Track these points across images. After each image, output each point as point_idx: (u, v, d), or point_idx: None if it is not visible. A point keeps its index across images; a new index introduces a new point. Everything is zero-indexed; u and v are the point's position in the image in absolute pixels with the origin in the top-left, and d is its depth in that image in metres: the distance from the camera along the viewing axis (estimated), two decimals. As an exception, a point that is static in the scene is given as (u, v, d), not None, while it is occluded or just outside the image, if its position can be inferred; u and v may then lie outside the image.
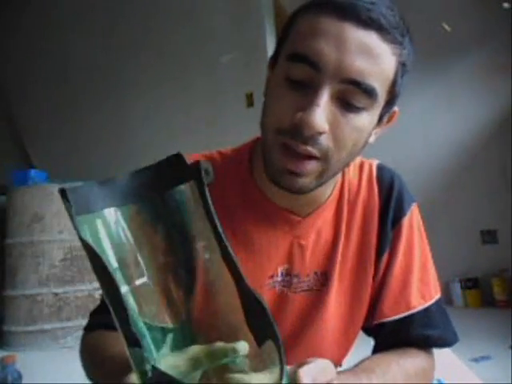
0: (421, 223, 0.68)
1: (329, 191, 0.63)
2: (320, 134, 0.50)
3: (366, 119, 0.53)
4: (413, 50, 0.56)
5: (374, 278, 0.64)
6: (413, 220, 0.65)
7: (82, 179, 2.94)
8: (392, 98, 0.56)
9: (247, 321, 0.33)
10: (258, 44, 3.07)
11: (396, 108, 0.61)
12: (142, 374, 0.31)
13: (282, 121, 0.52)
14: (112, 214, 0.34)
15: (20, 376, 1.89)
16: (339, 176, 0.64)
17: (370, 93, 0.50)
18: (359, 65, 0.49)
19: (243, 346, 0.33)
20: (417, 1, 3.40)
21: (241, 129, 2.88)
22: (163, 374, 0.31)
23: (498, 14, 3.24)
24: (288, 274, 0.62)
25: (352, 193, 0.65)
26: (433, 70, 3.41)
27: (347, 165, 0.58)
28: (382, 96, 0.53)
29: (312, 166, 0.52)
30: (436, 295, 0.65)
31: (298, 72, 0.51)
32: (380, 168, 0.68)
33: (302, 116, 0.49)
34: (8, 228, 2.85)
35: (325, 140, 0.51)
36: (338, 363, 0.68)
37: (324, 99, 0.50)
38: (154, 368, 0.31)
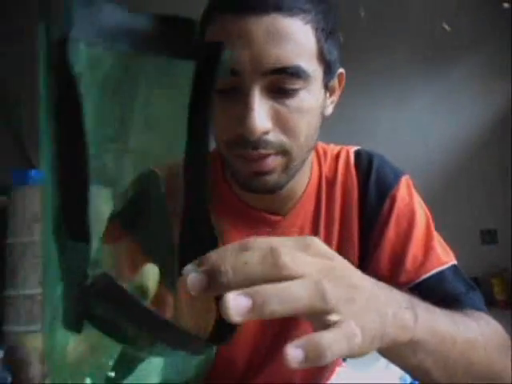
0: (417, 195, 0.64)
1: (303, 183, 0.62)
2: (266, 133, 0.49)
3: (307, 98, 0.51)
4: (329, 9, 0.53)
5: (361, 265, 0.60)
6: (404, 191, 0.62)
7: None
8: (327, 66, 0.53)
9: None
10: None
11: (341, 69, 0.59)
12: (79, 276, 0.24)
13: (227, 134, 0.51)
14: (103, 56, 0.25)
15: (20, 376, 1.89)
16: (311, 167, 0.62)
17: (297, 73, 0.49)
18: (274, 52, 0.47)
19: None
20: (417, 1, 3.40)
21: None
22: (110, 279, 0.24)
23: (498, 14, 3.24)
24: None
25: (329, 185, 0.63)
26: (432, 69, 3.41)
27: (310, 148, 0.57)
28: (313, 70, 0.51)
29: (275, 162, 0.51)
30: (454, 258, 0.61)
31: (223, 83, 0.50)
32: (358, 153, 0.66)
33: (242, 127, 0.48)
34: (8, 228, 2.85)
35: (274, 136, 0.50)
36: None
37: (256, 99, 0.48)
38: (103, 273, 0.24)
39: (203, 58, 0.28)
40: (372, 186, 0.62)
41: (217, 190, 0.62)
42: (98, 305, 0.24)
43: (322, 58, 0.52)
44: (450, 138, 3.41)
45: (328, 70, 0.54)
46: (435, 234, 0.62)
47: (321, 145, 0.68)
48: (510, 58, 3.20)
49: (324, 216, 0.62)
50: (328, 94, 0.57)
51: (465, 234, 3.28)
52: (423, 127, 3.46)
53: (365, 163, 0.64)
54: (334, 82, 0.58)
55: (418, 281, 0.58)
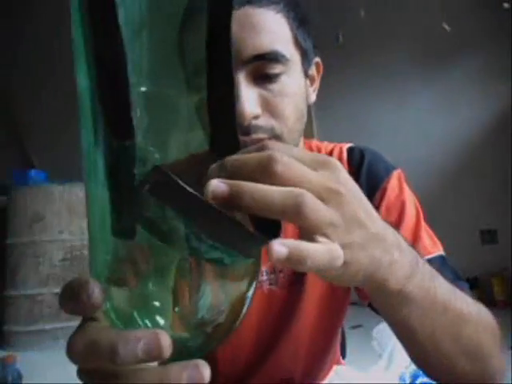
0: (407, 188, 0.64)
1: None
2: (256, 118, 0.51)
3: (288, 82, 0.53)
4: (295, 1, 0.57)
5: None
6: (395, 183, 0.62)
7: (82, 179, 2.95)
8: (303, 52, 0.56)
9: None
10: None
11: (317, 58, 0.61)
12: (128, 177, 0.24)
13: None
14: None
15: (20, 376, 1.90)
16: None
17: (275, 58, 0.51)
18: (252, 39, 0.50)
19: None
20: (417, 1, 3.40)
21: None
22: (162, 172, 0.23)
23: (497, 14, 3.24)
24: (272, 271, 0.62)
25: None
26: (433, 70, 3.42)
27: (301, 131, 0.58)
28: (291, 54, 0.53)
29: None
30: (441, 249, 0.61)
31: None
32: (350, 149, 0.66)
33: None
34: (8, 228, 2.85)
35: (264, 121, 0.52)
36: (327, 352, 0.68)
37: (242, 87, 0.50)
38: (154, 167, 0.23)
39: None
40: (363, 180, 0.62)
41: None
42: (150, 204, 0.24)
43: (298, 44, 0.55)
44: (451, 139, 3.41)
45: (305, 57, 0.57)
46: (424, 225, 0.62)
47: (315, 142, 0.69)
48: (510, 59, 3.20)
49: None
50: (309, 82, 0.60)
51: (465, 234, 3.28)
52: (423, 128, 3.46)
53: (357, 158, 0.64)
54: (313, 71, 0.61)
55: None
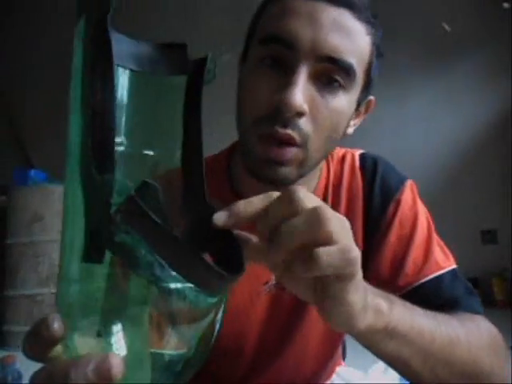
0: (420, 200, 0.64)
1: (312, 185, 0.61)
2: (300, 115, 0.49)
3: (344, 100, 0.51)
4: (381, 36, 0.56)
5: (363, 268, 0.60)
6: (408, 195, 0.62)
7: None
8: (368, 82, 0.55)
9: None
10: (258, 44, 3.07)
11: (372, 97, 0.60)
12: (104, 207, 0.26)
13: (259, 107, 0.50)
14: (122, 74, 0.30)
15: (20, 376, 1.90)
16: (321, 169, 0.62)
17: (347, 69, 0.49)
18: (334, 41, 0.48)
19: None
20: (417, 1, 3.40)
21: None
22: (136, 202, 0.26)
23: (498, 14, 3.24)
24: None
25: (335, 187, 0.63)
26: (433, 70, 3.42)
27: (326, 154, 0.57)
28: (359, 76, 0.52)
29: (293, 154, 0.50)
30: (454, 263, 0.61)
31: (273, 53, 0.50)
32: (363, 156, 0.65)
33: (280, 97, 0.47)
34: (8, 228, 2.85)
35: (304, 123, 0.49)
36: (332, 357, 0.68)
37: (302, 78, 0.48)
38: (129, 196, 0.26)
39: (192, 71, 0.33)
40: (377, 190, 0.62)
41: (217, 192, 0.60)
42: (121, 230, 0.26)
43: (369, 71, 0.54)
44: (451, 138, 3.41)
45: (366, 87, 0.55)
46: (436, 238, 0.62)
47: None
48: (509, 58, 3.20)
49: None
50: (354, 115, 0.57)
51: (465, 234, 3.29)
52: (424, 127, 3.46)
53: (370, 167, 0.63)
54: (362, 106, 0.59)
55: (415, 285, 0.58)
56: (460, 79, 3.41)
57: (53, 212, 2.77)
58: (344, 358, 0.81)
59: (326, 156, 0.59)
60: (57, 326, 0.27)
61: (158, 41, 0.33)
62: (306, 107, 0.49)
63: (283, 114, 0.48)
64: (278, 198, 0.33)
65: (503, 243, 3.21)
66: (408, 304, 0.45)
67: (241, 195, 0.59)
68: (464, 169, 3.36)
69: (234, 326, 0.59)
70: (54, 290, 2.70)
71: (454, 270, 0.60)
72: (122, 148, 0.30)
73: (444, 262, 0.60)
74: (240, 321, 0.60)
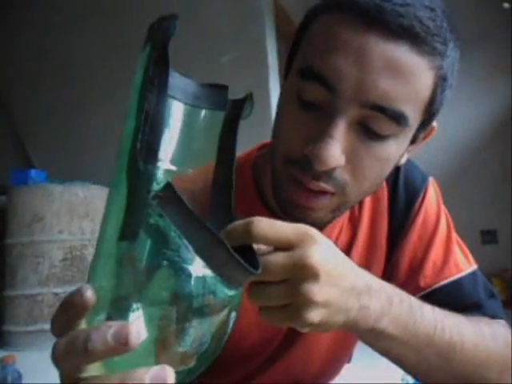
0: (441, 199, 0.64)
1: None
2: (334, 169, 0.43)
3: (392, 148, 0.45)
4: (458, 58, 0.46)
5: (386, 272, 0.60)
6: (432, 195, 0.61)
7: (82, 179, 2.95)
8: (429, 118, 0.48)
9: None
10: (258, 44, 3.07)
11: (434, 123, 0.53)
12: (144, 193, 0.30)
13: (291, 150, 0.45)
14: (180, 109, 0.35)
15: (20, 376, 1.89)
16: None
17: (397, 119, 0.42)
18: (385, 86, 0.41)
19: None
20: (417, 1, 3.40)
21: (241, 128, 2.86)
22: (173, 189, 0.29)
23: (498, 14, 3.24)
24: None
25: None
26: (433, 69, 3.42)
27: (371, 194, 0.53)
28: (414, 119, 0.44)
29: (326, 201, 0.46)
30: (475, 264, 0.60)
31: (311, 93, 0.44)
32: None
33: (313, 149, 0.42)
34: (8, 228, 2.84)
35: (341, 174, 0.44)
36: (341, 360, 0.68)
37: (340, 128, 0.42)
38: (167, 184, 0.29)
39: (231, 109, 0.38)
40: (401, 190, 0.60)
41: (246, 202, 0.56)
42: (156, 213, 0.29)
43: (429, 108, 0.46)
44: (450, 139, 3.41)
45: (427, 123, 0.48)
46: (456, 237, 0.61)
47: None
48: (509, 58, 3.20)
49: (359, 223, 0.60)
50: (409, 145, 0.50)
51: (465, 234, 3.27)
52: (423, 127, 3.46)
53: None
54: (422, 135, 0.51)
55: (435, 287, 0.57)
56: (460, 79, 3.39)
57: (53, 212, 2.77)
58: (350, 360, 0.81)
59: (370, 195, 0.56)
60: (90, 294, 0.28)
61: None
62: (342, 161, 0.43)
63: (314, 167, 0.43)
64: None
65: (503, 243, 3.21)
66: (416, 306, 0.44)
67: (273, 210, 0.55)
68: (464, 169, 3.36)
69: (241, 323, 0.59)
70: (54, 290, 2.70)
71: (474, 271, 0.59)
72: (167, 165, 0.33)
73: (464, 263, 0.59)
74: (247, 319, 0.60)
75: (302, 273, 0.35)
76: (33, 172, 3.03)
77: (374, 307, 0.40)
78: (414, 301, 0.45)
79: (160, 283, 0.30)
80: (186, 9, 3.47)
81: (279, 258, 0.35)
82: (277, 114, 0.50)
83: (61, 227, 2.77)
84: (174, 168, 0.32)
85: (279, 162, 0.47)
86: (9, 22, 4.18)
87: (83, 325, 0.29)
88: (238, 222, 0.35)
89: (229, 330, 0.33)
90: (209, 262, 0.29)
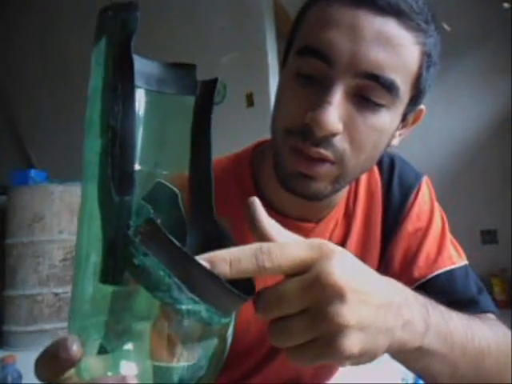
0: (435, 197, 0.65)
1: (344, 191, 0.60)
2: (333, 135, 0.45)
3: (386, 118, 0.47)
4: (439, 40, 0.51)
5: (381, 266, 0.61)
6: (425, 191, 0.63)
7: (81, 179, 2.94)
8: (417, 95, 0.50)
9: None
10: (258, 44, 3.07)
11: (422, 106, 0.55)
12: (123, 228, 0.26)
13: (291, 121, 0.48)
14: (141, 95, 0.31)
15: (20, 376, 1.89)
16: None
17: (389, 87, 0.45)
18: (376, 56, 0.44)
19: None
20: (417, 1, 3.40)
21: (241, 129, 2.86)
22: (155, 225, 0.26)
23: (498, 14, 3.24)
24: None
25: (355, 184, 0.62)
26: (433, 69, 3.41)
27: (367, 169, 0.54)
28: (404, 92, 0.47)
29: (326, 169, 0.47)
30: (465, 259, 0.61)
31: (309, 67, 0.47)
32: None
33: (312, 115, 0.44)
34: (8, 228, 2.84)
35: (339, 142, 0.46)
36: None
37: (337, 96, 0.45)
38: (148, 218, 0.26)
39: (201, 92, 0.34)
40: (395, 186, 0.62)
41: (244, 198, 0.58)
42: (140, 252, 0.26)
43: (417, 84, 0.49)
44: (450, 139, 3.41)
45: (416, 99, 0.51)
46: (449, 235, 0.63)
47: None
48: (510, 58, 3.20)
49: (353, 219, 0.61)
50: (400, 125, 0.53)
51: (465, 234, 3.28)
52: (423, 127, 3.45)
53: (387, 164, 0.63)
54: (411, 116, 0.55)
55: (428, 277, 0.58)
56: (460, 79, 3.41)
57: (53, 212, 2.77)
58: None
59: (367, 171, 0.57)
60: (76, 348, 0.26)
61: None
62: (340, 127, 0.45)
63: (314, 133, 0.45)
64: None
65: (503, 243, 3.21)
66: (445, 313, 0.42)
67: (272, 205, 0.57)
68: (464, 169, 3.36)
69: (240, 320, 0.59)
70: (54, 290, 2.70)
71: (466, 266, 0.61)
72: (137, 167, 0.30)
73: (457, 258, 0.60)
74: (245, 316, 0.60)
75: (325, 294, 0.29)
76: (33, 172, 3.03)
77: (418, 321, 0.36)
78: (441, 306, 0.43)
79: (143, 317, 0.29)
80: (186, 9, 3.47)
81: (294, 283, 0.30)
82: (276, 97, 0.52)
83: (61, 227, 2.77)
84: (138, 168, 0.29)
85: (280, 135, 0.49)
86: (9, 22, 4.18)
87: (72, 371, 0.27)
88: (243, 253, 0.30)
89: (227, 347, 0.31)
90: (204, 297, 0.27)
